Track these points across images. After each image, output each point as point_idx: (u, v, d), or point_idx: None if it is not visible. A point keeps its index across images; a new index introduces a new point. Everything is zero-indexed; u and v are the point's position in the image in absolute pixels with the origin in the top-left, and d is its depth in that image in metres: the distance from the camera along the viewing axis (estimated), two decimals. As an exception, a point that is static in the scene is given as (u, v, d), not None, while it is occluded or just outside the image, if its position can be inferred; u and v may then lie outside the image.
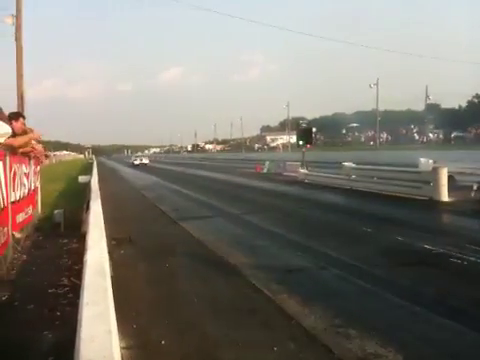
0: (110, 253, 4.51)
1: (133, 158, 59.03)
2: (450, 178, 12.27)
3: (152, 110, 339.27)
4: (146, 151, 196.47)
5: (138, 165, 48.33)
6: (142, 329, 3.92)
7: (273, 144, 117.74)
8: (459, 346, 3.58)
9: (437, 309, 4.28)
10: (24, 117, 8.49)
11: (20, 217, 6.65)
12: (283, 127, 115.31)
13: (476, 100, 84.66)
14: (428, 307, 4.32)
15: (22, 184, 6.92)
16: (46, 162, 9.52)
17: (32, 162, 8.06)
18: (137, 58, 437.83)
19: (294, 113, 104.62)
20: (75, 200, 12.05)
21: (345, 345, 3.51)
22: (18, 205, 6.50)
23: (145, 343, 3.65)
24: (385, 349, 3.42)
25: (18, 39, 15.65)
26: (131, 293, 4.90)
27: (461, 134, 69.45)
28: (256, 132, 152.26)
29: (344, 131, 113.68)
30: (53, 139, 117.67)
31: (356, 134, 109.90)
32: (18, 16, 15.67)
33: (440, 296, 4.71)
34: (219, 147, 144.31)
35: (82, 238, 5.69)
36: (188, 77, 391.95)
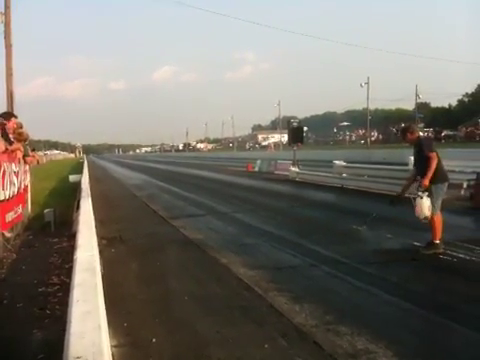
0: (101, 252, 4.50)
1: (92, 156, 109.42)
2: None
3: (143, 109, 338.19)
4: (137, 150, 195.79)
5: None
6: (133, 327, 3.91)
7: (265, 143, 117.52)
8: (449, 342, 3.62)
9: (427, 305, 4.32)
10: (16, 116, 8.50)
11: (9, 216, 6.61)
12: (274, 126, 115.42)
13: (466, 99, 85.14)
14: (418, 304, 4.35)
15: (12, 183, 6.87)
16: (35, 162, 9.57)
17: (22, 161, 8.03)
18: (129, 56, 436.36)
19: (285, 112, 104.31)
20: (66, 199, 11.98)
21: (336, 342, 3.53)
22: (7, 204, 6.46)
23: (136, 341, 3.64)
24: (375, 345, 3.44)
25: (7, 36, 15.47)
26: (122, 291, 4.88)
27: (451, 133, 69.81)
28: (248, 131, 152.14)
29: (335, 130, 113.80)
30: (43, 138, 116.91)
31: (347, 133, 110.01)
32: (7, 13, 15.48)
33: (429, 292, 4.76)
34: (210, 146, 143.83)
35: (72, 237, 5.67)
36: (180, 76, 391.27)
